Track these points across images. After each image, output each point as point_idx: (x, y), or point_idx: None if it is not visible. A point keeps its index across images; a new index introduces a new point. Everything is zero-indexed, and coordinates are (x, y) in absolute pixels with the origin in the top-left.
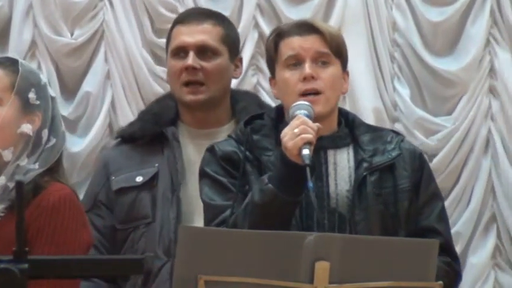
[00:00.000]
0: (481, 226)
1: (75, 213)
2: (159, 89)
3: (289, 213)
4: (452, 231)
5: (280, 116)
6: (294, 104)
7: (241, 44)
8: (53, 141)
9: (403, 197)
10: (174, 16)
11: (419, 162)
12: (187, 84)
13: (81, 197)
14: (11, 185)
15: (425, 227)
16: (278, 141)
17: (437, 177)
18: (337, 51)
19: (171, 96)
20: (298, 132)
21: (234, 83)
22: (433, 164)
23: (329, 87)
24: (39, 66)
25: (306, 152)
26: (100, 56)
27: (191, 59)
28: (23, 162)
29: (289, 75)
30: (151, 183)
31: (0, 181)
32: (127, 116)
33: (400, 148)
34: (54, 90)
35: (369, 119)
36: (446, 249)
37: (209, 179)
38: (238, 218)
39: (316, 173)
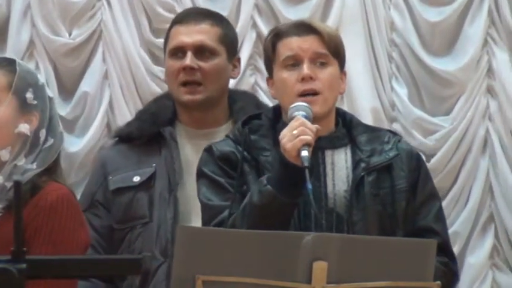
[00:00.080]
0: (479, 226)
1: (73, 213)
2: (157, 89)
3: (287, 214)
4: (450, 231)
5: (277, 116)
6: (293, 105)
7: (239, 44)
8: (51, 141)
9: (401, 197)
10: (172, 16)
11: (416, 162)
12: (185, 84)
13: (78, 197)
14: (9, 184)
15: (422, 227)
16: (275, 142)
17: (435, 177)
18: (335, 51)
19: (168, 96)
20: (297, 134)
21: (232, 83)
22: (431, 164)
23: (327, 88)
24: (37, 66)
25: (304, 153)
26: (98, 56)
27: (189, 59)
28: (21, 162)
29: (287, 76)
30: (148, 183)
31: None
32: (125, 116)
33: (398, 148)
34: (52, 90)
35: (367, 119)
36: (444, 249)
37: (207, 179)
38: (236, 219)
39: (314, 173)
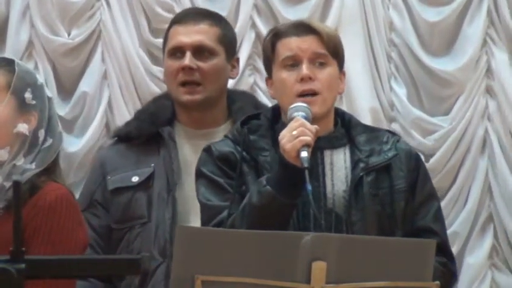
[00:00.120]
0: (478, 226)
1: (72, 213)
2: (156, 89)
3: (287, 215)
4: (449, 231)
5: (276, 116)
6: (292, 105)
7: (238, 44)
8: (50, 141)
9: (400, 197)
10: (171, 16)
11: (415, 162)
12: (183, 84)
13: (77, 196)
14: (8, 184)
15: (421, 227)
16: (274, 142)
17: (434, 177)
18: (334, 51)
19: (167, 96)
20: (296, 135)
21: (230, 83)
22: (430, 164)
23: (326, 88)
24: (36, 66)
25: (304, 154)
26: (97, 56)
27: (188, 59)
28: (20, 161)
29: (286, 76)
30: (147, 183)
31: None
32: (124, 116)
33: (396, 148)
34: (51, 90)
35: (366, 119)
36: (443, 249)
37: (206, 180)
38: (236, 220)
39: (313, 173)
